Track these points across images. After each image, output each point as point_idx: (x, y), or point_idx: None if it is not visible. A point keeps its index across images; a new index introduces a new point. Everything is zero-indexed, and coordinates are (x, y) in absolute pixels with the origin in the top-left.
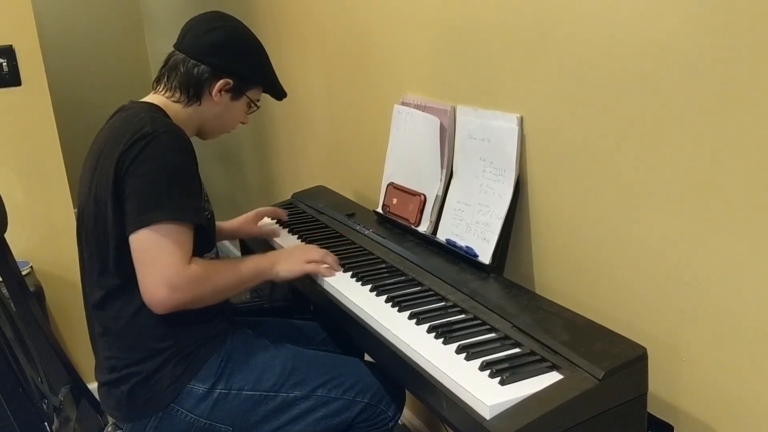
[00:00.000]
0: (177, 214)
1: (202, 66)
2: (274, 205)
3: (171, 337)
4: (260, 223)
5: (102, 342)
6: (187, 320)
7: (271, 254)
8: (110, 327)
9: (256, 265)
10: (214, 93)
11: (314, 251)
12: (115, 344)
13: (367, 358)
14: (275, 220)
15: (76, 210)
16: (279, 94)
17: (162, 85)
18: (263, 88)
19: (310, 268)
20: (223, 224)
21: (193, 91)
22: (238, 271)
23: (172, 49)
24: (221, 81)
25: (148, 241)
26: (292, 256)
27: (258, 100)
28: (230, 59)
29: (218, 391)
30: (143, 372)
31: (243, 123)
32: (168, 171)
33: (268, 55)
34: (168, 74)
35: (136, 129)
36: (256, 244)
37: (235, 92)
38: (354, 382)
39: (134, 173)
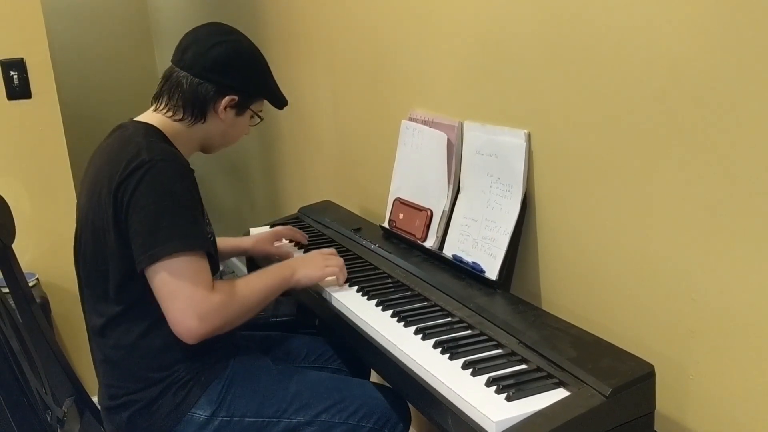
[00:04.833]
0: (188, 244)
1: (207, 84)
2: (283, 221)
3: (171, 366)
4: (276, 243)
5: (102, 369)
6: (188, 349)
7: (290, 262)
8: (110, 356)
9: (277, 275)
10: (219, 111)
11: (332, 258)
12: (114, 373)
13: (373, 374)
14: (292, 242)
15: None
16: (281, 103)
17: (163, 104)
18: (266, 99)
19: (329, 271)
20: (237, 240)
21: (198, 110)
22: (262, 286)
23: (170, 64)
24: (227, 98)
25: (167, 275)
26: (311, 262)
27: (260, 111)
28: (235, 76)
29: (220, 418)
30: (143, 400)
31: (245, 134)
32: (170, 200)
33: (271, 67)
34: (170, 93)
35: (132, 156)
36: (265, 261)
37: (240, 108)
38: (358, 406)
39: (136, 206)
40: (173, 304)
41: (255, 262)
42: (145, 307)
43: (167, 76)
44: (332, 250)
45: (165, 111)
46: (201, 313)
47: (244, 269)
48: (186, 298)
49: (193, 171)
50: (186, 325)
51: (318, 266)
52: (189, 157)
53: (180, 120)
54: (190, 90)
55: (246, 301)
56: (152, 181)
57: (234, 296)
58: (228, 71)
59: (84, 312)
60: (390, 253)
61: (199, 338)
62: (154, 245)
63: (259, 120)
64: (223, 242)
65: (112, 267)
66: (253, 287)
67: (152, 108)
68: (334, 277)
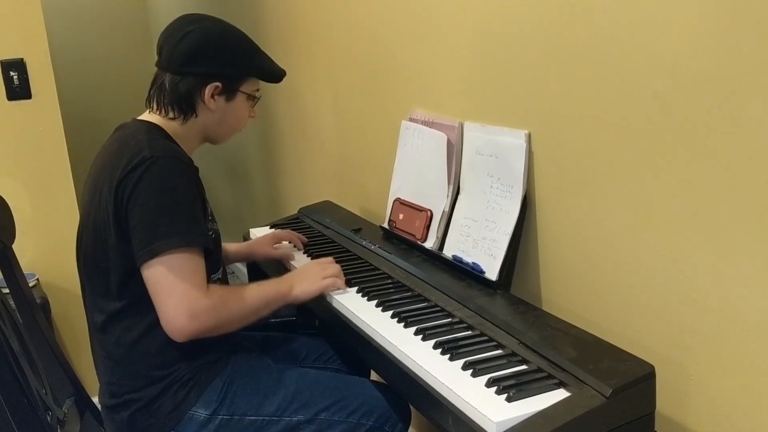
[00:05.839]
0: (186, 241)
1: (186, 78)
2: (283, 221)
3: (172, 365)
4: (276, 245)
5: (103, 366)
6: (189, 347)
7: (287, 277)
8: (111, 353)
9: (275, 290)
10: (206, 100)
11: (330, 268)
12: (116, 370)
13: (373, 374)
14: (291, 243)
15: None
16: (273, 76)
17: (155, 107)
18: (257, 77)
19: (326, 283)
20: (237, 246)
21: (185, 105)
22: (259, 297)
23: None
24: (209, 86)
25: (162, 272)
26: (308, 276)
27: (257, 90)
28: (210, 62)
29: (221, 417)
30: (143, 399)
31: (251, 117)
32: (170, 197)
33: (257, 44)
34: (157, 95)
35: (134, 153)
36: (269, 266)
37: (228, 93)
38: (359, 404)
39: (137, 202)
40: (167, 299)
41: (258, 266)
42: (147, 303)
43: (153, 80)
44: (329, 258)
45: (158, 112)
46: (193, 311)
47: (243, 268)
48: (180, 295)
49: (196, 168)
50: (177, 321)
51: (315, 279)
52: (194, 152)
53: (173, 119)
54: (172, 88)
55: (239, 308)
56: (153, 178)
57: (228, 300)
58: (201, 59)
59: (85, 309)
60: (390, 253)
61: (189, 336)
62: (153, 241)
63: (257, 100)
64: (224, 248)
65: (113, 264)
66: (249, 296)
67: (148, 110)
68: (334, 286)
